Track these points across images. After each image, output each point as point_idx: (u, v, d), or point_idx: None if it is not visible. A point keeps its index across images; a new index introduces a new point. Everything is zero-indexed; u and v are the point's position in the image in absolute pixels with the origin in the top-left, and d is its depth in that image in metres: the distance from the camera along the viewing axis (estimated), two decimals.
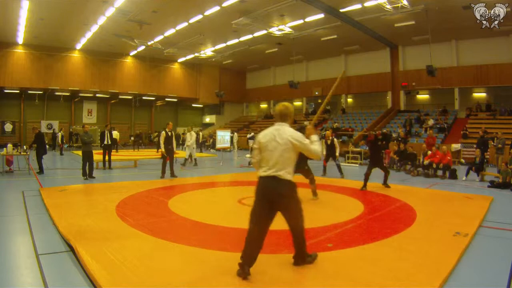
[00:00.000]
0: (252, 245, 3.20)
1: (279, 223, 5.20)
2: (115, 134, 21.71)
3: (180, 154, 18.40)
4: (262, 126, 26.95)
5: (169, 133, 10.33)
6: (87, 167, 9.80)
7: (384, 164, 8.91)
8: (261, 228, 3.24)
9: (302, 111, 30.02)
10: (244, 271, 3.14)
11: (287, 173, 3.23)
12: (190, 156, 14.07)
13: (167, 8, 17.41)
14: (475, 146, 13.46)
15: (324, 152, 11.60)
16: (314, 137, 3.39)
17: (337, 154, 11.43)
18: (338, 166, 11.43)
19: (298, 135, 3.30)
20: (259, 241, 3.22)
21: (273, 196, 3.21)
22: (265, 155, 3.29)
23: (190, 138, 13.84)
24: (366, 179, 8.36)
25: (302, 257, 3.45)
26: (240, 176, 11.07)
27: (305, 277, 3.28)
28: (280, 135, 3.27)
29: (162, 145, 10.25)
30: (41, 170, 10.70)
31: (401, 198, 7.05)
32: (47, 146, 23.10)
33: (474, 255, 3.93)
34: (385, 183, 8.61)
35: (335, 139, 11.70)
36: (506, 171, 9.21)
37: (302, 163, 7.05)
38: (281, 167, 3.22)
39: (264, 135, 3.35)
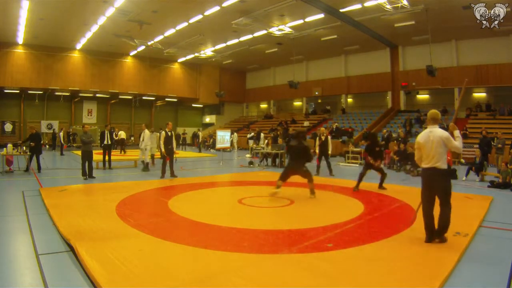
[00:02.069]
0: (429, 219, 4.28)
1: (277, 223, 5.21)
2: (122, 134, 21.67)
3: (180, 154, 18.44)
4: (262, 126, 27.04)
5: (169, 133, 10.33)
6: (86, 167, 9.81)
7: (378, 165, 8.39)
8: (430, 205, 4.28)
9: (302, 111, 30.05)
10: (430, 239, 4.25)
11: (442, 164, 4.21)
12: (153, 156, 13.09)
13: (167, 8, 17.41)
14: (477, 146, 13.44)
15: (317, 150, 11.58)
16: (457, 133, 4.37)
17: (329, 152, 11.44)
18: (329, 165, 11.43)
19: (446, 134, 4.26)
20: (431, 214, 4.28)
21: (432, 182, 4.25)
22: (425, 151, 4.29)
23: (143, 137, 12.05)
24: (359, 179, 8.16)
25: (441, 234, 4.24)
26: (240, 176, 11.07)
27: (305, 277, 3.28)
28: (434, 136, 4.26)
29: (162, 146, 10.25)
30: (38, 168, 10.93)
31: (401, 198, 7.05)
32: (46, 146, 23.42)
33: (474, 255, 3.93)
34: (380, 186, 8.31)
35: (328, 137, 11.71)
36: (506, 171, 9.20)
37: (302, 164, 7.13)
38: (437, 159, 4.20)
39: (422, 137, 4.38)
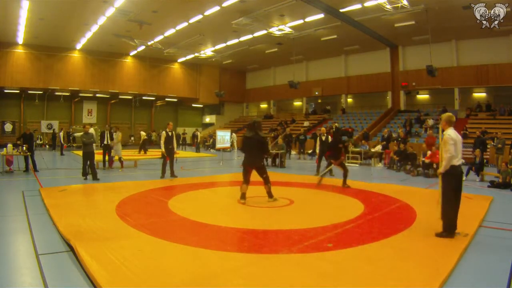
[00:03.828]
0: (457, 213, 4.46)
1: (277, 223, 5.21)
2: (143, 135, 21.62)
3: (180, 154, 18.42)
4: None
5: (170, 133, 10.33)
6: (88, 167, 9.77)
7: (339, 163, 8.56)
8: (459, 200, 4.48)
9: (302, 111, 30.05)
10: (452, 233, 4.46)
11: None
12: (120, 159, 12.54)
13: (167, 8, 17.41)
14: (472, 145, 13.41)
15: (317, 150, 11.57)
16: None
17: None
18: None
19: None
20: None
21: (461, 178, 4.59)
22: (457, 150, 4.49)
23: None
24: (320, 172, 8.36)
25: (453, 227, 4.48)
26: (240, 176, 11.00)
27: (305, 277, 3.28)
28: (458, 136, 4.59)
29: (162, 145, 10.25)
30: (34, 168, 11.11)
31: (401, 198, 7.05)
32: (46, 146, 23.41)
33: (474, 255, 3.93)
34: (344, 183, 8.38)
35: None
36: (506, 171, 9.20)
37: (259, 157, 6.76)
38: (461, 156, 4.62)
39: (455, 134, 4.56)
